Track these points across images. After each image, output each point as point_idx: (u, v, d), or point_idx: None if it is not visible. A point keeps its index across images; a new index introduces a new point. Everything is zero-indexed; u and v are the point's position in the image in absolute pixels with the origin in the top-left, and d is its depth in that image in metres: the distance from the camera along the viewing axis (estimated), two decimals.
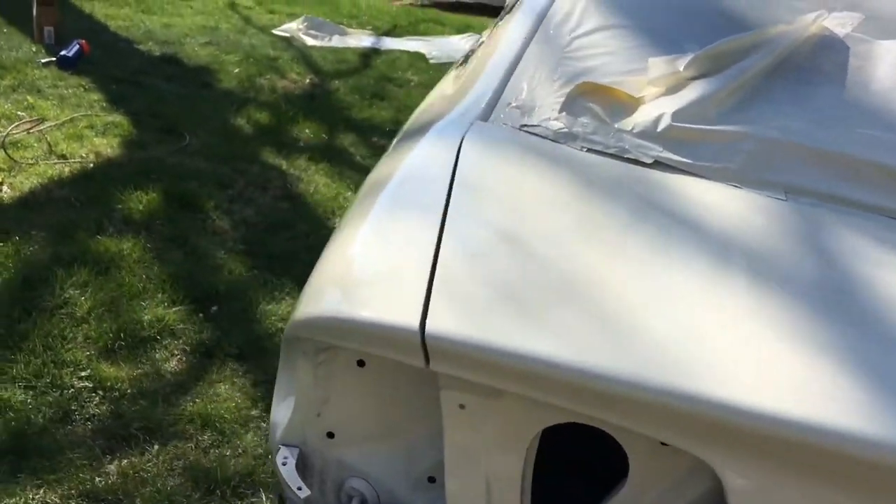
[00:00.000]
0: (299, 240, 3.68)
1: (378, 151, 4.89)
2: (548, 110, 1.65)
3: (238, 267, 3.39)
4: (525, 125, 1.63)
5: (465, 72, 2.13)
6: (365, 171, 4.62)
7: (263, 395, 2.72)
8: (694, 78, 1.65)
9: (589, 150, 1.57)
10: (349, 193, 4.20)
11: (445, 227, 1.26)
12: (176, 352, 2.87)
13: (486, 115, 1.65)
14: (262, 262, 3.45)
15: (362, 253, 1.28)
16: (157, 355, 2.83)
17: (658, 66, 1.66)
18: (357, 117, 5.39)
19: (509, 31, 1.95)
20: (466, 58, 2.59)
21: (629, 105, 1.63)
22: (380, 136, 5.09)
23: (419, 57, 7.06)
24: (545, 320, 1.11)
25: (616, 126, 1.60)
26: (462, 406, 1.11)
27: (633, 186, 1.46)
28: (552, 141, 1.59)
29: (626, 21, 1.84)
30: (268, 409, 2.68)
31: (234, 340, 2.93)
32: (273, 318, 3.10)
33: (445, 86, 2.22)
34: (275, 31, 7.38)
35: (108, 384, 2.66)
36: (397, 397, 1.22)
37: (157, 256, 3.35)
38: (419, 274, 1.17)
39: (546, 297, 1.15)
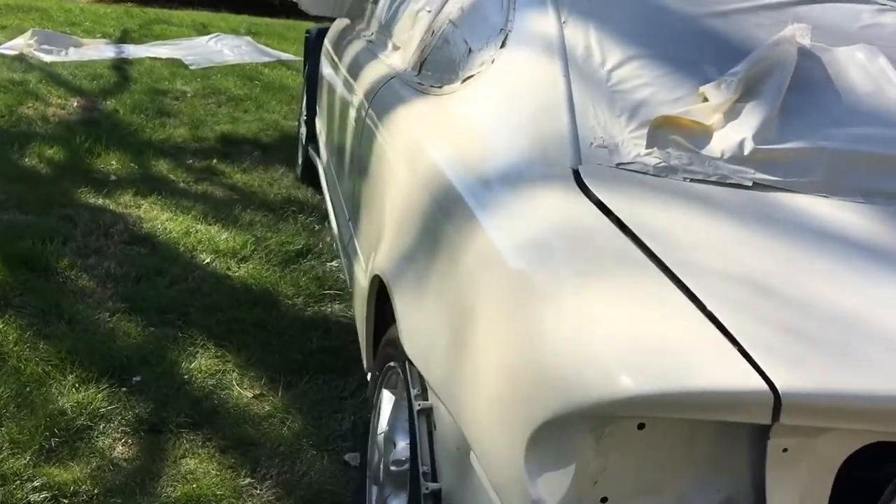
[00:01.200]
0: (179, 285, 3.44)
1: (199, 174, 4.64)
2: (632, 146, 1.73)
3: (133, 328, 3.11)
4: (621, 164, 1.70)
5: (468, 112, 2.05)
6: (197, 197, 4.36)
7: (241, 462, 2.57)
8: (741, 101, 1.82)
9: (691, 180, 1.69)
10: (199, 226, 3.97)
11: (683, 281, 1.32)
12: (117, 435, 2.61)
13: (577, 158, 1.70)
14: (156, 317, 3.19)
15: (610, 322, 1.29)
16: (100, 444, 2.56)
17: (714, 93, 1.81)
18: (156, 139, 5.04)
19: (524, 70, 1.96)
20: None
21: (704, 133, 1.77)
22: (193, 158, 4.82)
23: (177, 64, 6.69)
24: (855, 356, 1.23)
25: (705, 154, 1.73)
26: (785, 450, 1.21)
27: (766, 210, 1.60)
28: (653, 176, 1.69)
29: (642, 50, 1.95)
30: (253, 474, 2.57)
31: (176, 408, 2.72)
32: (201, 374, 2.91)
33: (447, 132, 2.08)
34: (0, 51, 6.61)
35: (69, 489, 2.37)
36: (675, 451, 1.28)
37: (38, 334, 2.99)
38: (708, 333, 1.23)
39: (838, 333, 1.26)
